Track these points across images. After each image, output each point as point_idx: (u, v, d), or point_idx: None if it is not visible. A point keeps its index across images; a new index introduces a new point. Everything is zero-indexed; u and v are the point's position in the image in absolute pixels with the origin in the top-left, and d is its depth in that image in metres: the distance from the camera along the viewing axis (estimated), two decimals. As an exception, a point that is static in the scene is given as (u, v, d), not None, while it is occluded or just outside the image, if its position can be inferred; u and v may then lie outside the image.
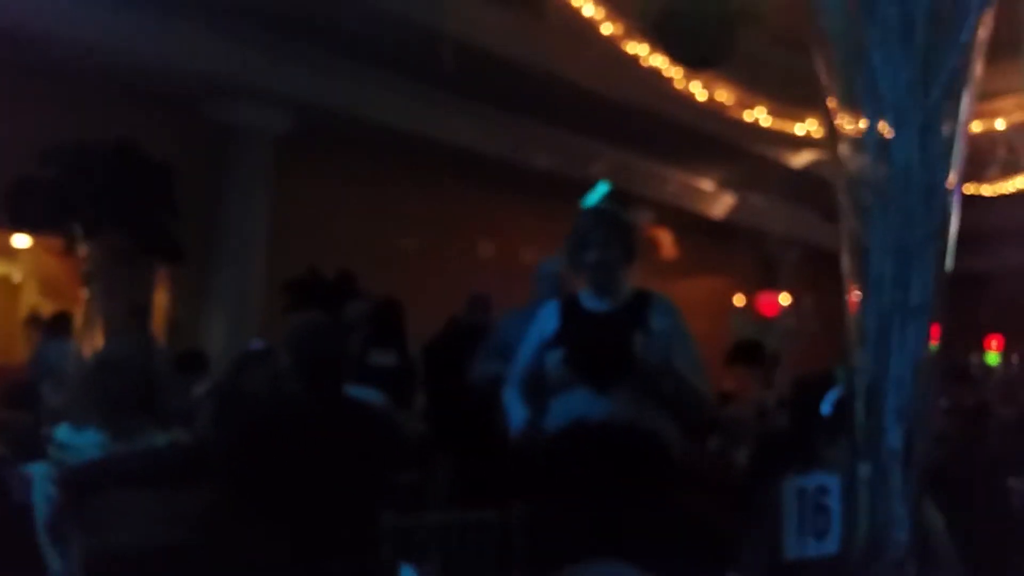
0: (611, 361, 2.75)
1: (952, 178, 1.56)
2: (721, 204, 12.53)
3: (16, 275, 11.08)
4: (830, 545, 1.58)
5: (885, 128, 1.57)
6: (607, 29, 8.07)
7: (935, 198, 1.55)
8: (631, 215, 2.99)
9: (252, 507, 2.70)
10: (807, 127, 9.66)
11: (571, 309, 2.97)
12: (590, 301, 2.95)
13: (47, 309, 8.57)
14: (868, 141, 1.62)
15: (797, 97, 8.90)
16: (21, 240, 8.74)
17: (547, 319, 2.97)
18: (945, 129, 1.53)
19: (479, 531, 3.12)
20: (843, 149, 1.69)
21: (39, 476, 3.12)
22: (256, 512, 2.70)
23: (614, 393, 2.73)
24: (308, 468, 2.68)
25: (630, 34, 8.17)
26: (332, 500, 2.68)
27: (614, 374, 2.75)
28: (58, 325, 6.51)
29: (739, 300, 12.82)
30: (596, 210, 2.96)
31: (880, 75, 1.53)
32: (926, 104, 1.51)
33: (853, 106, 1.62)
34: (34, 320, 8.39)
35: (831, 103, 1.69)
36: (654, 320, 2.80)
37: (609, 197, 3.01)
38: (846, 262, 1.72)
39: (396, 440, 3.20)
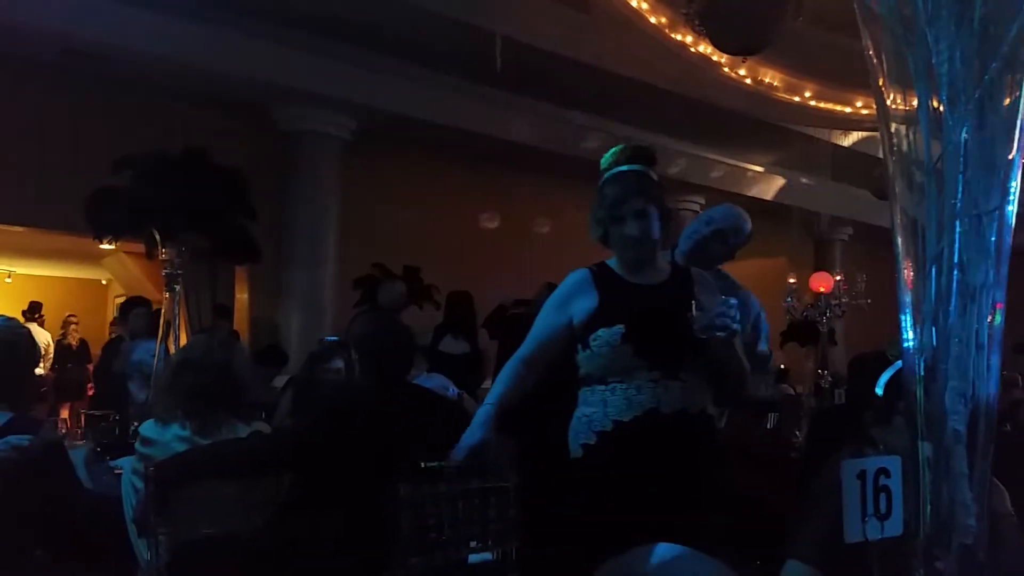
0: (679, 341, 2.39)
1: (1012, 154, 1.47)
2: (771, 186, 12.30)
3: (103, 278, 11.33)
4: (892, 528, 1.51)
5: (939, 105, 1.49)
6: (653, 19, 7.96)
7: (993, 175, 1.46)
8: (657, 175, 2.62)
9: (324, 495, 2.70)
10: (856, 106, 9.42)
11: (608, 281, 2.56)
12: (625, 273, 2.58)
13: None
14: (921, 118, 1.53)
15: (845, 76, 8.69)
16: (107, 247, 8.94)
17: (577, 292, 2.55)
18: (1004, 104, 1.44)
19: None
20: (895, 127, 1.61)
21: (127, 470, 3.17)
22: (327, 500, 2.70)
23: (682, 377, 2.43)
24: (375, 456, 2.66)
25: (676, 23, 8.04)
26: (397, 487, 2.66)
27: (685, 357, 2.42)
28: (142, 325, 6.63)
29: (792, 280, 12.59)
30: (627, 173, 2.55)
31: (933, 51, 1.44)
32: (983, 79, 1.42)
33: (904, 83, 1.54)
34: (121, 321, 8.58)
35: (881, 81, 1.60)
36: (703, 295, 2.44)
37: (636, 156, 2.59)
38: (900, 241, 1.63)
39: (460, 427, 3.17)
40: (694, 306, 2.33)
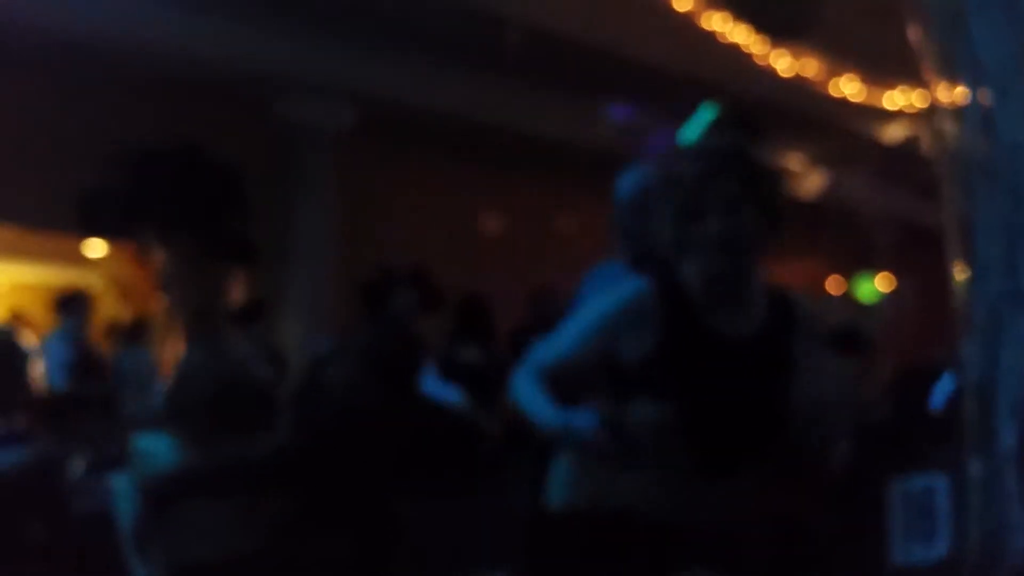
0: (748, 439, 1.80)
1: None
2: (811, 183, 12.27)
3: (94, 284, 11.41)
4: (938, 549, 1.52)
5: (987, 99, 1.51)
6: (681, 4, 7.97)
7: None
8: (768, 155, 2.03)
9: (328, 513, 2.73)
10: (900, 100, 9.40)
11: (677, 316, 1.85)
12: (709, 310, 1.85)
13: (126, 317, 8.81)
14: (970, 114, 1.55)
15: (888, 68, 8.67)
16: (98, 248, 9.00)
17: (630, 321, 1.85)
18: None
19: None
20: (943, 122, 1.63)
21: (122, 485, 3.20)
22: (330, 517, 2.73)
23: (736, 476, 1.84)
24: (382, 473, 2.70)
25: (706, 8, 8.05)
26: (402, 507, 2.69)
27: (747, 458, 1.83)
28: (135, 332, 6.70)
29: (834, 284, 12.53)
30: (713, 149, 1.91)
31: (980, 44, 1.46)
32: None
33: (952, 77, 1.56)
34: (114, 328, 8.64)
35: (927, 74, 1.62)
36: (798, 343, 1.85)
37: (729, 125, 2.03)
38: (950, 243, 1.65)
39: (470, 443, 3.20)
40: (799, 381, 1.77)
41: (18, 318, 9.47)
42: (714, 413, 1.80)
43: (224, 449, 3.05)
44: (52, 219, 7.11)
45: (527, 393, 1.87)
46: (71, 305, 7.19)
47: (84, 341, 6.85)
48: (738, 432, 1.80)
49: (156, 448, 3.06)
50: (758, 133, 2.05)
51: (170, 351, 5.45)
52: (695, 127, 2.06)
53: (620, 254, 2.75)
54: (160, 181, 5.52)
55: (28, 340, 8.91)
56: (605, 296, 1.94)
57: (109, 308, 10.27)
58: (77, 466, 3.66)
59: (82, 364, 6.25)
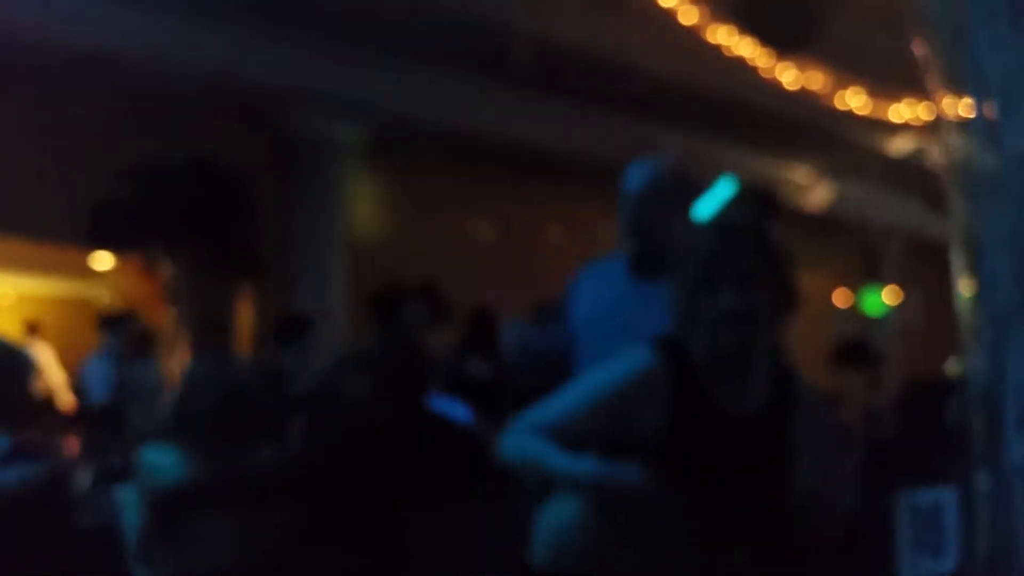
0: (750, 516, 1.80)
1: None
2: (817, 196, 12.27)
3: (102, 296, 11.45)
4: (947, 564, 1.52)
5: (993, 112, 1.51)
6: (687, 17, 7.99)
7: (1054, 187, 1.48)
8: (781, 233, 2.09)
9: (333, 524, 2.73)
10: (905, 112, 9.41)
11: (687, 390, 1.84)
12: (715, 385, 1.84)
13: (133, 329, 8.82)
14: (975, 126, 1.55)
15: (894, 81, 8.68)
16: (105, 261, 9.02)
17: (641, 377, 1.84)
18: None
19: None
20: (949, 135, 1.63)
21: (127, 498, 3.20)
22: (336, 530, 2.72)
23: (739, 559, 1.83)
24: (391, 486, 2.69)
25: (712, 21, 8.07)
26: (409, 520, 2.69)
27: (749, 535, 1.82)
28: (142, 344, 6.71)
29: (840, 297, 12.51)
30: (731, 225, 2.00)
31: (985, 57, 1.46)
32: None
33: (957, 90, 1.56)
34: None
35: (933, 87, 1.62)
36: (800, 423, 1.85)
37: (748, 202, 2.13)
38: (957, 256, 1.65)
39: (478, 456, 3.19)
40: (801, 460, 1.79)
41: (33, 329, 9.50)
42: (719, 490, 1.80)
43: (231, 461, 3.05)
44: (60, 231, 7.15)
45: (534, 446, 1.84)
46: (114, 324, 7.15)
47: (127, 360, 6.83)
48: (741, 510, 1.80)
49: (163, 460, 3.06)
50: (776, 210, 2.07)
51: (177, 363, 5.48)
52: (713, 201, 2.03)
53: (625, 250, 2.79)
54: (169, 195, 5.58)
55: (42, 352, 8.95)
56: (612, 367, 1.90)
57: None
58: (83, 478, 3.67)
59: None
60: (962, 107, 1.57)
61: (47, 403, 8.19)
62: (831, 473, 1.83)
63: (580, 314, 2.77)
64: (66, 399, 8.25)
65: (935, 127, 1.68)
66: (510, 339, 2.84)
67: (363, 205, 9.11)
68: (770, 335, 1.86)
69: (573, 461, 1.77)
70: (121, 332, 7.09)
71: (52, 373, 8.92)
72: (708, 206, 2.04)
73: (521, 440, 1.86)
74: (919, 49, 1.61)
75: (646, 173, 2.79)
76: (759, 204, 2.03)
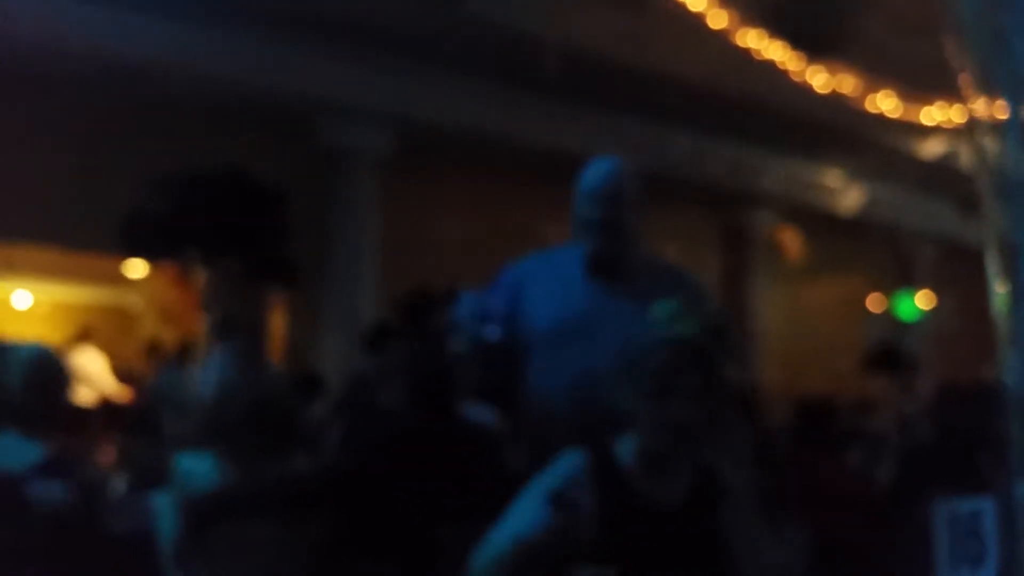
0: None
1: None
2: (849, 199, 12.17)
3: (136, 304, 11.56)
4: (986, 573, 1.49)
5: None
6: (716, 21, 7.96)
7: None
8: (730, 341, 2.13)
9: (366, 533, 2.73)
10: (937, 115, 9.31)
11: (612, 486, 1.97)
12: (641, 479, 1.98)
13: (167, 336, 8.91)
14: (1010, 129, 1.53)
15: (925, 84, 8.59)
16: (139, 269, 9.10)
17: (569, 483, 1.97)
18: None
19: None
20: (983, 138, 1.60)
21: (163, 504, 3.23)
22: (370, 539, 2.72)
23: None
24: (426, 495, 2.69)
25: (742, 25, 8.04)
26: (441, 530, 2.67)
27: None
28: (175, 352, 6.75)
29: (873, 301, 12.39)
30: (682, 343, 1.99)
31: (1021, 59, 1.44)
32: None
33: (992, 92, 1.53)
34: (154, 348, 8.74)
35: (966, 89, 1.60)
36: (723, 513, 2.00)
37: (696, 317, 2.05)
38: (992, 259, 1.62)
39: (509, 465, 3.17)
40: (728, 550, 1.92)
41: (84, 336, 9.58)
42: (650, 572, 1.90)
43: (265, 469, 3.06)
44: (95, 240, 7.23)
45: (499, 546, 1.98)
46: (229, 328, 7.08)
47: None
48: None
49: (197, 468, 3.08)
50: (721, 324, 2.13)
51: (210, 370, 5.51)
52: (664, 312, 2.08)
53: (581, 246, 2.67)
54: (203, 204, 5.63)
55: (92, 358, 9.02)
56: (545, 476, 2.02)
57: (149, 328, 10.40)
58: (118, 485, 3.70)
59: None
60: (997, 110, 1.55)
61: (90, 409, 8.29)
62: (764, 556, 1.97)
63: (537, 318, 2.61)
64: (117, 403, 8.33)
65: (968, 130, 1.65)
66: (465, 307, 2.70)
67: (393, 212, 9.14)
68: (698, 439, 2.01)
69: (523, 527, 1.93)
70: (237, 336, 6.89)
71: (102, 379, 9.00)
72: (664, 318, 2.08)
73: (484, 554, 1.99)
74: (952, 51, 1.59)
75: (608, 170, 2.69)
76: (713, 327, 2.07)
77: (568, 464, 2.00)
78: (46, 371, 2.85)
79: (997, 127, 1.55)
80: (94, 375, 8.63)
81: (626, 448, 2.00)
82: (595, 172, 2.68)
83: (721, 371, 2.04)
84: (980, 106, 1.57)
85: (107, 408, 8.13)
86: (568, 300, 2.61)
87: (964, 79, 1.58)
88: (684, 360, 1.98)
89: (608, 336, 2.26)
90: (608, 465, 1.98)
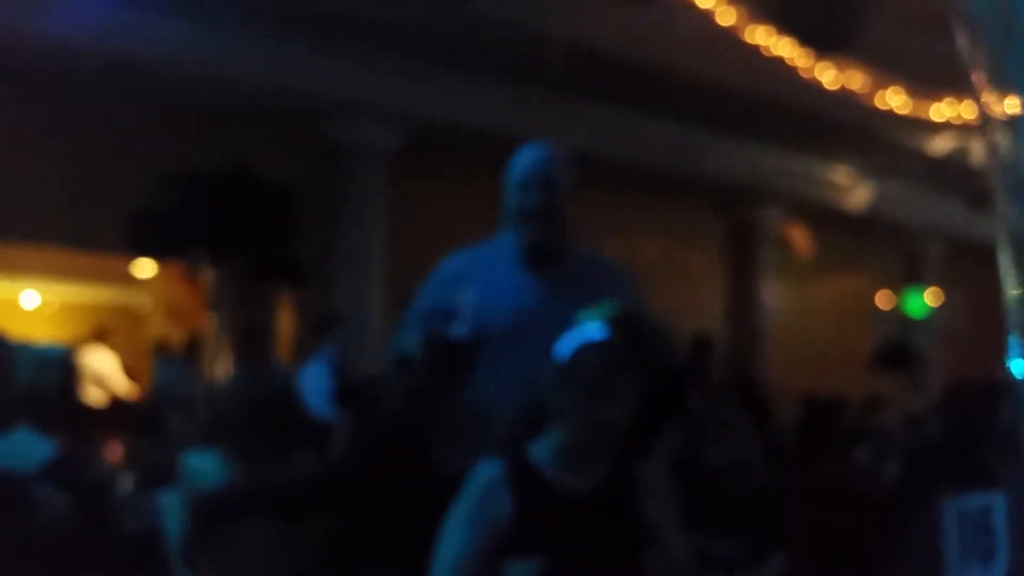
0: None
1: None
2: (858, 196, 12.15)
3: (143, 303, 11.59)
4: (997, 570, 1.48)
5: (1042, 110, 1.47)
6: (725, 18, 7.94)
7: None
8: (658, 340, 2.16)
9: (373, 532, 2.73)
10: (946, 111, 9.28)
11: (528, 485, 2.04)
12: (557, 473, 2.05)
13: (175, 336, 8.93)
14: (1022, 125, 1.52)
15: (934, 80, 8.57)
16: (147, 269, 9.12)
17: (485, 492, 2.04)
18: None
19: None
20: (995, 134, 1.59)
21: (170, 503, 3.23)
22: (377, 537, 2.72)
23: None
24: (433, 493, 2.68)
25: (750, 22, 8.02)
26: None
27: None
28: (183, 351, 6.76)
29: (882, 298, 12.37)
30: (604, 347, 2.04)
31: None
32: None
33: (1004, 87, 1.52)
34: (162, 347, 8.76)
35: (978, 84, 1.59)
36: (656, 510, 2.06)
37: (624, 323, 2.07)
38: (1004, 256, 1.61)
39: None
40: (642, 534, 1.99)
41: (100, 336, 9.61)
42: (575, 564, 1.97)
43: (272, 468, 3.07)
44: (102, 240, 7.24)
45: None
46: (328, 326, 6.76)
47: (344, 366, 6.38)
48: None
49: (204, 466, 3.09)
50: (652, 331, 2.17)
51: (218, 369, 5.52)
52: (591, 315, 2.10)
53: (512, 237, 2.63)
54: (210, 203, 5.63)
55: (106, 358, 9.05)
56: (464, 497, 2.07)
57: (157, 327, 10.42)
58: (126, 484, 3.71)
59: (345, 390, 5.73)
60: (1009, 105, 1.54)
61: (100, 408, 8.32)
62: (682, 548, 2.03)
63: (486, 316, 2.50)
64: (125, 402, 8.35)
65: (979, 125, 1.64)
66: (424, 303, 2.65)
67: (400, 211, 9.14)
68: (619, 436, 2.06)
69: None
70: (335, 335, 6.66)
71: (115, 378, 9.03)
72: (586, 327, 2.10)
73: None
74: (963, 46, 1.58)
75: (540, 156, 2.63)
76: (636, 332, 2.09)
77: (484, 474, 2.06)
78: (57, 370, 2.87)
79: (1010, 122, 1.54)
80: (107, 374, 8.65)
81: (544, 446, 2.06)
82: (526, 159, 2.63)
83: (649, 371, 2.08)
84: (992, 101, 1.56)
85: (116, 407, 8.15)
86: (506, 295, 2.55)
87: (976, 74, 1.58)
88: (610, 363, 2.03)
89: (551, 332, 2.24)
90: (524, 465, 2.05)
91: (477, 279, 2.59)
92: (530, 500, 2.01)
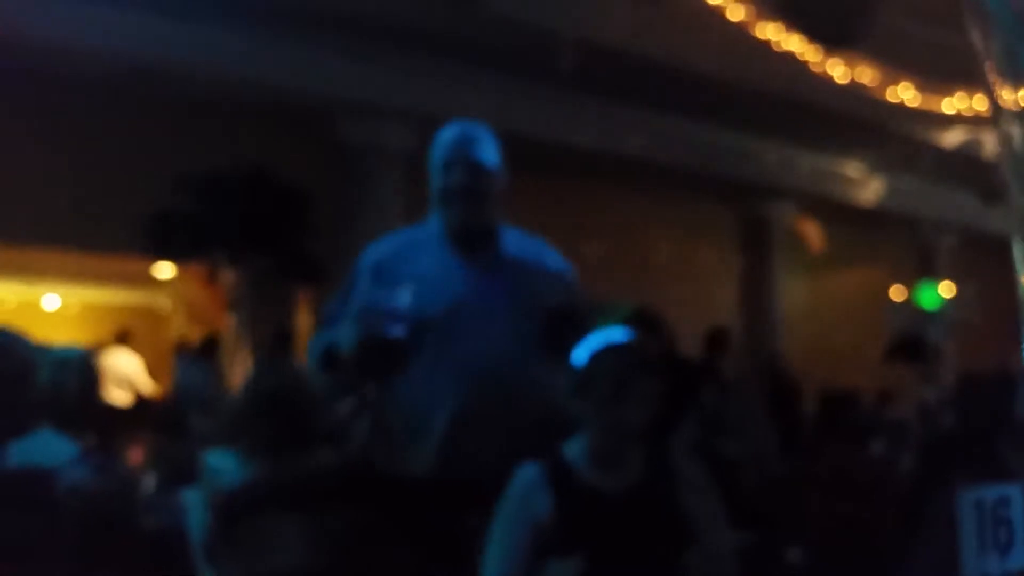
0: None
1: None
2: (870, 190, 12.09)
3: (164, 305, 11.65)
4: (1015, 560, 1.47)
5: (1055, 101, 1.46)
6: (734, 14, 7.92)
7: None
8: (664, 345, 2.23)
9: (394, 526, 2.73)
10: (958, 104, 9.22)
11: (566, 483, 2.07)
12: (593, 474, 2.08)
13: (195, 336, 8.96)
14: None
15: (944, 73, 8.51)
16: (167, 270, 9.15)
17: (527, 493, 2.06)
18: None
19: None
20: (1008, 126, 1.58)
21: (193, 500, 3.25)
22: (398, 531, 2.73)
23: None
24: (452, 486, 2.68)
25: (760, 18, 7.99)
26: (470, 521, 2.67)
27: None
28: (203, 350, 6.79)
29: (895, 292, 12.31)
30: (624, 349, 2.06)
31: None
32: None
33: (1017, 79, 1.51)
34: (183, 348, 8.79)
35: (991, 77, 1.57)
36: (680, 490, 2.08)
37: (642, 324, 2.15)
38: (1016, 248, 1.60)
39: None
40: (682, 529, 2.00)
41: (122, 338, 9.66)
42: (616, 561, 1.97)
43: (291, 463, 3.08)
44: (121, 242, 7.27)
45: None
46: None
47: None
48: (641, 571, 1.99)
49: (225, 464, 3.10)
50: (658, 329, 2.22)
51: (238, 369, 5.55)
52: (611, 324, 2.15)
53: (437, 220, 2.53)
54: (229, 204, 5.65)
55: (129, 359, 9.10)
56: (507, 501, 2.09)
57: (177, 328, 10.47)
58: (149, 482, 3.73)
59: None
60: (1021, 96, 1.53)
61: (123, 408, 8.37)
62: (720, 533, 2.03)
63: (420, 308, 2.37)
64: (147, 402, 8.39)
65: (993, 118, 1.63)
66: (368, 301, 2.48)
67: (416, 210, 9.13)
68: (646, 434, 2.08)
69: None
70: None
71: (138, 379, 9.08)
72: (607, 331, 2.12)
73: None
74: (974, 38, 1.57)
75: (464, 134, 2.54)
76: (650, 322, 2.19)
77: (525, 475, 2.07)
78: (79, 371, 2.88)
79: (1022, 114, 1.53)
80: (130, 375, 8.69)
81: (576, 448, 2.09)
82: (449, 137, 2.54)
83: (666, 368, 2.15)
84: (1005, 93, 1.55)
85: (139, 407, 8.20)
86: (438, 283, 2.43)
87: (988, 66, 1.57)
88: (630, 365, 2.05)
89: (485, 318, 2.19)
90: (560, 466, 2.06)
91: (407, 268, 2.47)
92: (568, 500, 2.02)
